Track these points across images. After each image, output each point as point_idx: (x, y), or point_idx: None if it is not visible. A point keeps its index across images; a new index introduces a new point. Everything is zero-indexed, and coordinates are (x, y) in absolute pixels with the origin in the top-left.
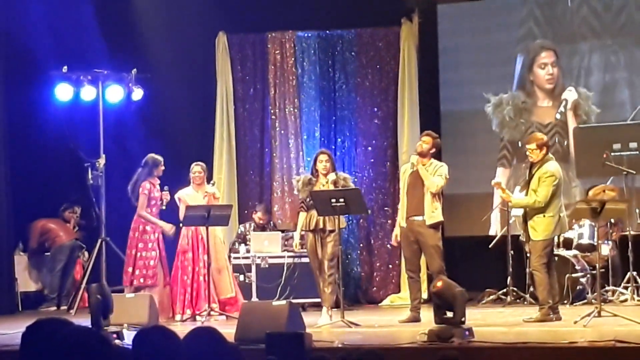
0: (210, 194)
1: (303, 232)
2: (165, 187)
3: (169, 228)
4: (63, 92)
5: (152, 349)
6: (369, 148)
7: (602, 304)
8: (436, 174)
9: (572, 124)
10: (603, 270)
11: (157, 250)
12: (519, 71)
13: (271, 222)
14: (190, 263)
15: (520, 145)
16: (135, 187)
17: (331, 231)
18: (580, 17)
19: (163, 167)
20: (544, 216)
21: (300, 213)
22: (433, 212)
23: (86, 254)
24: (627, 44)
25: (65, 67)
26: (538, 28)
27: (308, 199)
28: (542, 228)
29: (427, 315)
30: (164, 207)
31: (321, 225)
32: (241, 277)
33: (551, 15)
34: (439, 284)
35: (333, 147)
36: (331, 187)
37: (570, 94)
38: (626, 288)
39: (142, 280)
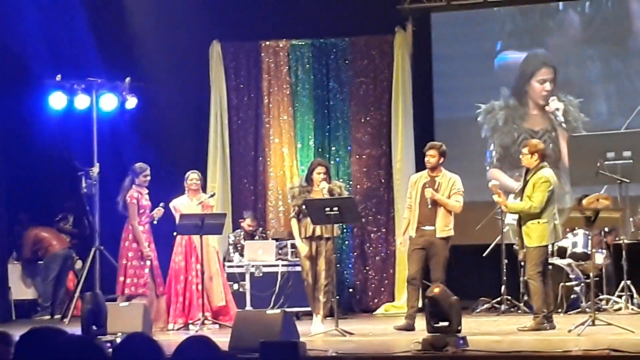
0: (206, 203)
1: (303, 238)
2: (161, 204)
3: (146, 251)
4: (57, 100)
5: (132, 357)
6: (363, 156)
7: (596, 312)
8: (452, 191)
9: (564, 137)
10: (597, 279)
11: (148, 259)
12: (516, 81)
13: (260, 229)
14: (183, 272)
15: (512, 151)
16: (122, 197)
17: (327, 239)
18: (563, 27)
19: (147, 175)
20: (539, 223)
21: (292, 220)
22: (446, 226)
23: (79, 262)
24: (604, 53)
25: (59, 76)
26: (516, 39)
27: (303, 207)
28: (536, 235)
29: (422, 324)
30: (155, 222)
31: (318, 233)
32: (235, 286)
33: (533, 25)
34: (437, 290)
35: (327, 155)
36: (326, 196)
37: (558, 104)
38: (620, 297)
39: (133, 289)
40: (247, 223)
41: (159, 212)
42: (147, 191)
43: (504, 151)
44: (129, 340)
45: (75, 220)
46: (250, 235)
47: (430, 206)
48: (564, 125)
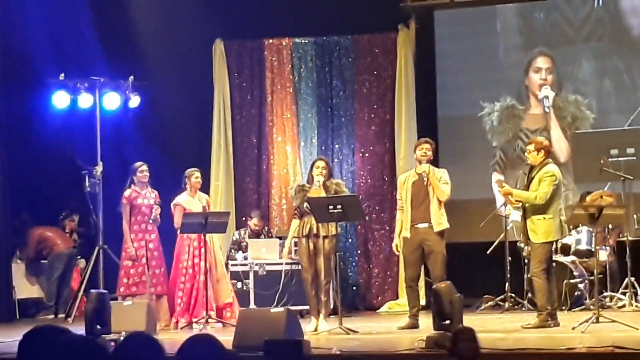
0: (209, 202)
1: (295, 239)
2: (158, 202)
3: (129, 250)
4: (60, 99)
5: (133, 356)
6: (367, 154)
7: (600, 309)
8: (441, 182)
9: (555, 125)
10: (601, 276)
11: (145, 258)
12: (516, 77)
13: (266, 229)
14: (190, 270)
15: (514, 151)
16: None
17: (325, 237)
18: (566, 24)
19: (143, 171)
20: (544, 218)
21: (293, 220)
22: (440, 219)
23: (83, 261)
24: (607, 51)
25: (63, 75)
26: (520, 36)
27: (303, 206)
28: (542, 230)
29: (426, 322)
30: (151, 221)
31: (315, 231)
32: (239, 284)
33: (535, 22)
34: (443, 285)
35: (330, 153)
36: (322, 192)
37: (549, 92)
38: (624, 294)
39: (122, 289)
40: (253, 222)
41: (156, 210)
42: (148, 189)
43: (504, 152)
44: (129, 340)
45: (81, 219)
46: (256, 235)
47: (421, 197)
48: (547, 110)
